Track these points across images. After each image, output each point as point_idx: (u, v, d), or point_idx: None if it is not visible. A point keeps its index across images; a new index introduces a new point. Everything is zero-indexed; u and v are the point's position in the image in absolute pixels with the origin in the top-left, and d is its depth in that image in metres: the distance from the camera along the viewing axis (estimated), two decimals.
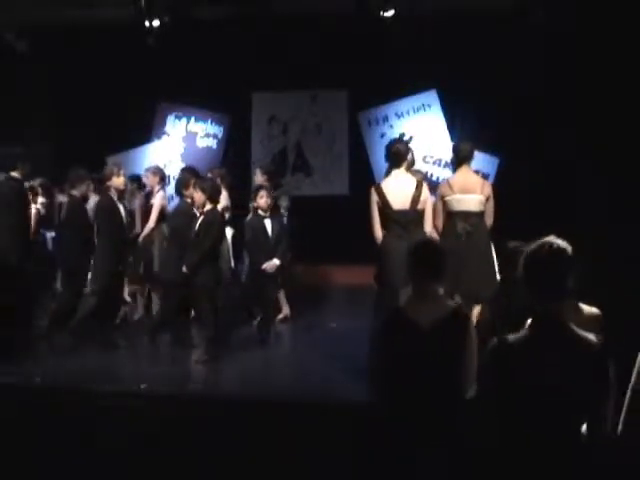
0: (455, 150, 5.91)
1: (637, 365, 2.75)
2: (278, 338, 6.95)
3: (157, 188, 7.61)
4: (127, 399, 4.96)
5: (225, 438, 4.36)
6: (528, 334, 2.54)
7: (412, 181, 5.40)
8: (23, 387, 5.31)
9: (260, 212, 6.86)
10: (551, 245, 2.59)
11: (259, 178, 7.69)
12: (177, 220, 6.61)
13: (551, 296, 2.54)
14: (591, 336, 2.54)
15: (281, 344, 6.84)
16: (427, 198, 5.35)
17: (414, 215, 5.26)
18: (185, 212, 6.54)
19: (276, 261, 6.81)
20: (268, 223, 6.85)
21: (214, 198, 6.25)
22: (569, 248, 3.04)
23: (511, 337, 2.57)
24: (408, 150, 5.68)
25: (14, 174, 6.60)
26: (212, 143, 10.07)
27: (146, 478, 4.22)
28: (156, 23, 8.56)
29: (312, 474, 4.10)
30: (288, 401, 4.99)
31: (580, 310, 3.27)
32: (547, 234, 3.42)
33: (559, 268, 2.56)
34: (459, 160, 5.77)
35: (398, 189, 5.34)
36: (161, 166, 9.65)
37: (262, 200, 6.80)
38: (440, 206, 5.54)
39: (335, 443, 4.18)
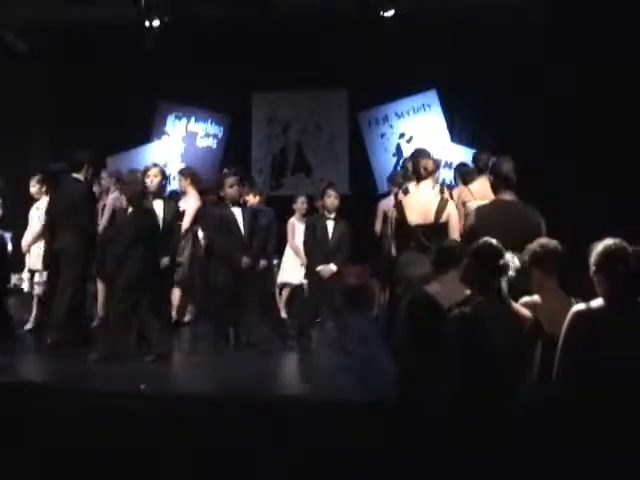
0: (474, 160, 6.24)
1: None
2: (276, 338, 6.93)
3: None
4: (127, 399, 4.96)
5: (225, 438, 4.36)
6: (478, 308, 3.30)
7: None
8: (23, 387, 5.31)
9: (325, 212, 6.54)
10: (490, 242, 3.37)
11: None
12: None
13: (494, 280, 3.30)
14: (527, 312, 3.31)
15: (280, 344, 6.82)
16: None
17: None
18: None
19: (332, 267, 6.38)
20: (331, 225, 6.52)
21: (134, 202, 6.24)
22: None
23: (466, 310, 3.30)
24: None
25: (78, 176, 6.65)
26: (212, 143, 10.08)
27: (146, 478, 4.22)
28: (156, 23, 8.56)
29: (312, 474, 4.10)
30: (288, 401, 5.00)
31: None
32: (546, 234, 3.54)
33: (497, 261, 3.31)
34: (479, 169, 6.08)
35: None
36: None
37: (329, 200, 6.49)
38: (462, 210, 5.74)
39: (335, 443, 4.18)
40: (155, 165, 7.06)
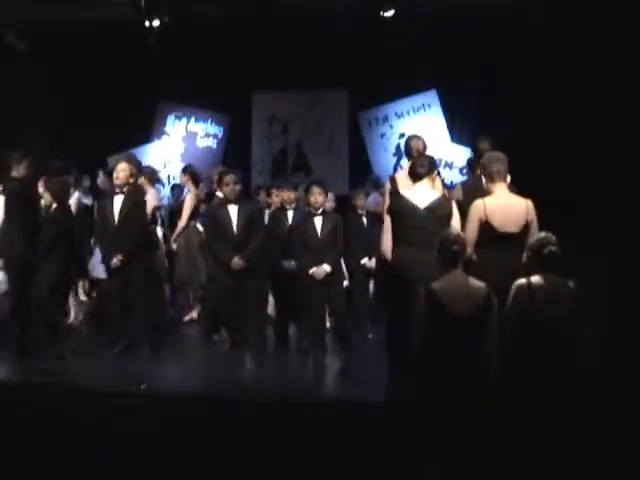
0: (468, 163, 7.02)
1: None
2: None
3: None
4: (127, 399, 4.97)
5: (225, 438, 4.36)
6: (444, 282, 4.06)
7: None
8: (23, 387, 5.32)
9: (312, 210, 6.13)
10: (456, 233, 4.28)
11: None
12: None
13: (454, 263, 4.12)
14: (482, 284, 4.08)
15: (279, 344, 6.81)
16: None
17: None
18: None
19: (326, 267, 5.91)
20: (319, 221, 6.07)
21: (58, 198, 6.28)
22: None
23: (434, 285, 4.04)
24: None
25: None
26: (212, 143, 10.08)
27: (146, 478, 4.22)
28: (156, 23, 8.55)
29: (311, 474, 4.10)
30: (287, 401, 5.00)
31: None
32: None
33: (457, 246, 4.13)
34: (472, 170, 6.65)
35: None
36: (161, 166, 9.66)
37: (312, 197, 6.07)
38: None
39: (335, 443, 4.18)
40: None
